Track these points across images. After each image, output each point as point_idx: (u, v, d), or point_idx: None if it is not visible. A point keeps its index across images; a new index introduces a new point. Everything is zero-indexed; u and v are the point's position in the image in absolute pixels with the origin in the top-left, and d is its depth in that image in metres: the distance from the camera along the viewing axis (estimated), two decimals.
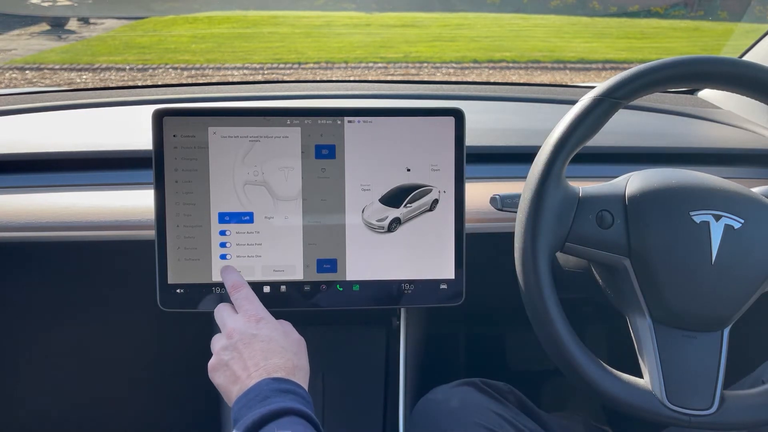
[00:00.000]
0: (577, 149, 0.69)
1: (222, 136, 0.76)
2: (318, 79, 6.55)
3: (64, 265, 1.07)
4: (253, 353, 0.65)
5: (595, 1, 12.69)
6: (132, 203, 0.88)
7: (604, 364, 0.68)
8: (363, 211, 0.79)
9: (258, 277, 0.78)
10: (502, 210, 0.77)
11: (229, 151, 0.77)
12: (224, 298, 0.78)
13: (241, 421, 0.59)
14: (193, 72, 6.85)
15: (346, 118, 0.78)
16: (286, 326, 0.71)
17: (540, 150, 0.70)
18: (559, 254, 0.72)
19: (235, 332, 0.67)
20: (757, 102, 0.70)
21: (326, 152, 0.78)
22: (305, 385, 0.66)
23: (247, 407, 0.60)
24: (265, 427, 0.57)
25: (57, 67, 6.98)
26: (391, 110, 0.79)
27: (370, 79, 6.66)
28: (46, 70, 6.78)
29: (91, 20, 10.21)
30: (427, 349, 1.07)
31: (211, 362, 0.68)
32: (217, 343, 0.68)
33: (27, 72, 6.74)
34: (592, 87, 0.71)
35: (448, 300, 0.80)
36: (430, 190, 0.79)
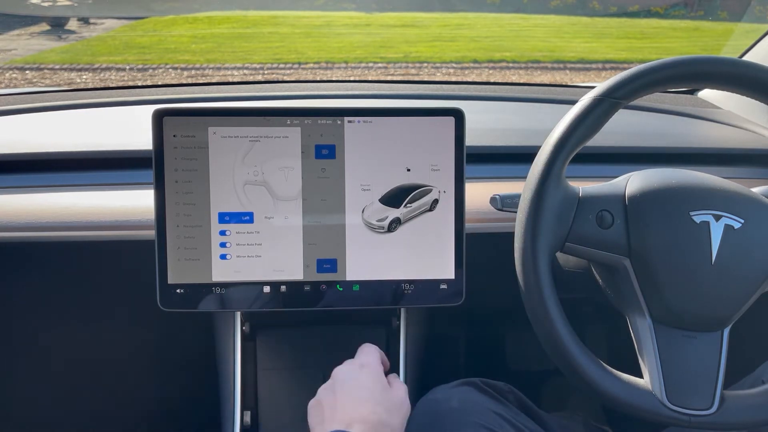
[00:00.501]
0: (577, 149, 0.69)
1: (222, 136, 0.76)
2: (318, 79, 6.55)
3: (64, 265, 1.07)
4: (344, 397, 0.64)
5: (595, 1, 12.69)
6: (132, 203, 0.88)
7: (604, 364, 0.68)
8: (363, 211, 0.79)
9: (258, 277, 0.78)
10: (502, 210, 0.77)
11: (229, 151, 0.77)
12: (224, 298, 0.78)
13: None
14: (193, 72, 6.85)
15: (346, 118, 0.78)
16: (396, 384, 0.70)
17: (540, 150, 0.70)
18: (559, 254, 0.72)
19: (338, 374, 0.68)
20: (757, 102, 0.70)
21: (326, 152, 0.78)
22: None
23: None
24: None
25: (57, 67, 6.98)
26: (391, 110, 0.79)
27: (370, 79, 6.66)
28: (46, 70, 6.78)
29: (91, 20, 10.21)
30: (427, 349, 1.07)
31: (311, 401, 0.68)
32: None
33: (27, 72, 6.74)
34: (592, 87, 0.71)
35: (448, 300, 0.80)
36: (430, 190, 0.79)
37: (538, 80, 6.67)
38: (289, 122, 0.77)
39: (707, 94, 1.33)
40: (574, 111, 0.69)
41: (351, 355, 0.96)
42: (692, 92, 1.36)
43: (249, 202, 0.77)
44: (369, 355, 0.71)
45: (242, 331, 0.89)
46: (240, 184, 0.77)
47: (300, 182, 0.77)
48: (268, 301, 0.78)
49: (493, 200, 0.78)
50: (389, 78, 6.82)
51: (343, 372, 0.68)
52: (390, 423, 0.64)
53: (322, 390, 0.67)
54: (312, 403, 0.67)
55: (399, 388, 0.69)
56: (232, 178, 0.77)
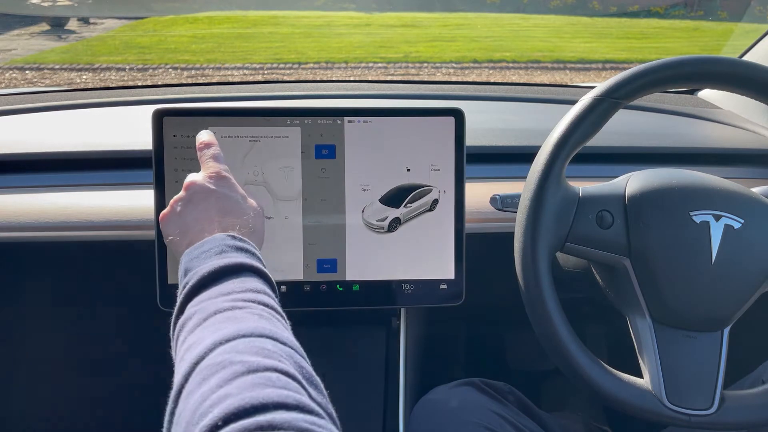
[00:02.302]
0: (577, 149, 0.69)
1: (222, 136, 0.76)
2: (318, 79, 6.55)
3: (64, 265, 1.07)
4: (208, 207, 0.62)
5: (595, 1, 12.69)
6: (132, 203, 0.88)
7: (604, 364, 0.68)
8: (363, 211, 0.79)
9: None
10: (502, 210, 0.77)
11: (229, 151, 0.76)
12: None
13: (193, 270, 0.55)
14: (193, 72, 6.85)
15: (346, 118, 0.78)
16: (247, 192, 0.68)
17: (540, 150, 0.70)
18: (559, 254, 0.72)
19: (192, 185, 0.64)
20: (757, 102, 0.70)
21: (326, 152, 0.78)
22: (258, 251, 0.62)
23: (200, 259, 0.56)
24: (222, 279, 0.54)
25: (57, 67, 6.98)
26: (391, 110, 0.79)
27: (370, 79, 6.66)
28: (46, 70, 6.79)
29: (91, 20, 10.21)
30: (427, 349, 1.07)
31: (163, 212, 0.65)
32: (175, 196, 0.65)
33: (27, 72, 6.74)
34: (592, 87, 0.71)
35: (448, 300, 0.80)
36: (430, 190, 0.79)
37: (538, 80, 6.67)
38: (289, 122, 0.77)
39: (707, 94, 1.33)
40: (574, 111, 0.69)
41: (351, 354, 0.96)
42: (692, 92, 1.36)
43: None
44: (220, 163, 0.66)
45: None
46: (240, 184, 0.77)
47: (300, 182, 0.77)
48: None
49: (493, 200, 0.78)
50: (389, 78, 6.82)
51: (200, 184, 0.64)
52: (257, 228, 0.64)
53: (178, 202, 0.64)
54: (167, 215, 0.64)
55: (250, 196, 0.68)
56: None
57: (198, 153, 0.68)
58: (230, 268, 0.55)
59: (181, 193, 0.64)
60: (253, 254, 0.58)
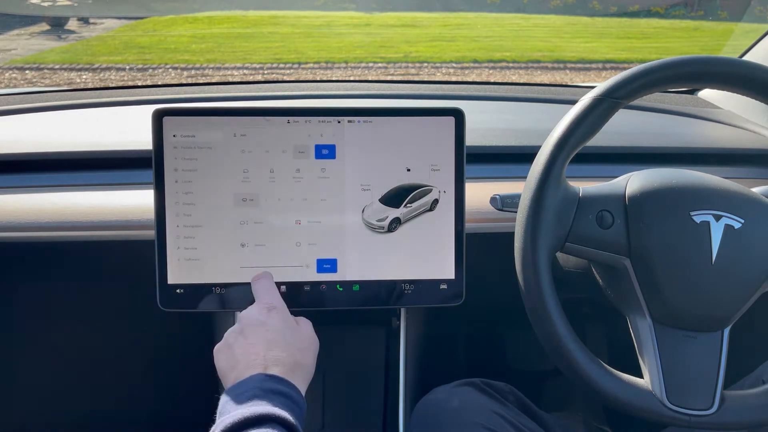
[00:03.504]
0: (577, 149, 0.69)
1: (222, 137, 0.76)
2: (318, 79, 6.55)
3: (64, 265, 1.07)
4: (256, 340, 0.64)
5: (595, 1, 12.69)
6: (132, 203, 0.88)
7: (604, 364, 0.68)
8: (363, 211, 0.78)
9: None
10: (502, 210, 0.77)
11: (230, 151, 0.76)
12: (224, 298, 0.78)
13: (222, 417, 0.57)
14: (193, 72, 6.85)
15: (346, 118, 0.78)
16: (303, 323, 0.71)
17: (540, 150, 0.70)
18: (559, 254, 0.72)
19: (245, 318, 0.67)
20: (757, 102, 0.70)
21: (326, 152, 0.78)
22: (304, 385, 0.65)
23: (232, 402, 0.59)
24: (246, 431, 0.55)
25: (57, 67, 6.98)
26: (391, 110, 0.79)
27: (370, 79, 6.66)
28: (46, 70, 6.78)
29: (91, 20, 10.21)
30: (427, 349, 1.07)
31: (218, 345, 0.67)
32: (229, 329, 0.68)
33: (27, 72, 6.74)
34: (592, 87, 0.71)
35: (448, 300, 0.80)
36: (430, 190, 0.79)
37: (538, 80, 6.67)
38: (289, 122, 0.77)
39: (707, 94, 1.33)
40: (574, 111, 0.69)
41: (351, 354, 0.96)
42: (692, 92, 1.36)
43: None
44: (273, 296, 0.71)
45: None
46: (240, 183, 0.77)
47: (300, 181, 0.77)
48: None
49: (493, 200, 0.78)
50: (389, 78, 6.82)
51: (251, 316, 0.68)
52: (303, 362, 0.66)
53: (230, 334, 0.67)
54: (220, 348, 0.67)
55: (306, 326, 0.71)
56: (233, 178, 0.77)
57: (252, 285, 0.73)
58: (255, 419, 0.56)
59: (235, 325, 0.68)
60: (287, 397, 0.60)
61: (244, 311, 0.69)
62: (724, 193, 0.69)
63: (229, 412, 0.58)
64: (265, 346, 0.64)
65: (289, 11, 11.66)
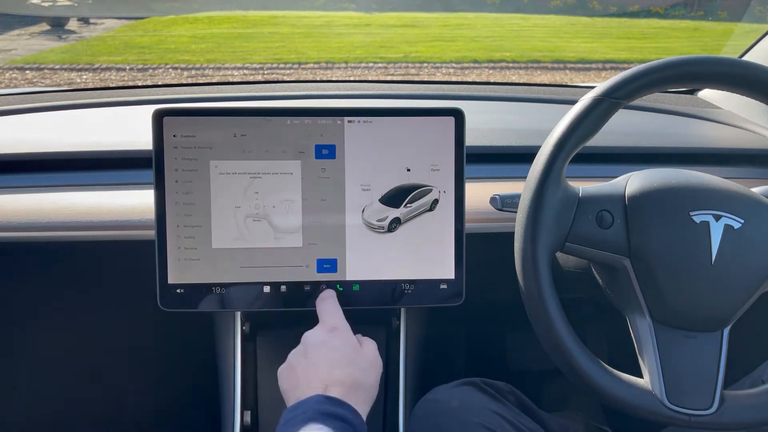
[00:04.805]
0: (577, 149, 0.69)
1: (222, 137, 0.76)
2: (318, 79, 6.55)
3: (64, 265, 1.07)
4: (318, 360, 0.65)
5: (595, 1, 12.70)
6: (132, 203, 0.88)
7: (604, 364, 0.68)
8: (363, 211, 0.79)
9: (258, 278, 0.78)
10: (502, 210, 0.77)
11: (230, 151, 0.77)
12: (224, 298, 0.78)
13: None
14: (193, 72, 6.85)
15: (346, 118, 0.78)
16: (367, 344, 0.70)
17: (540, 150, 0.70)
18: (559, 254, 0.72)
19: (308, 339, 0.68)
20: (757, 102, 0.70)
21: (326, 152, 0.78)
22: (364, 406, 0.64)
23: (289, 425, 0.58)
24: None
25: (57, 67, 6.98)
26: (391, 110, 0.79)
27: (370, 79, 6.66)
28: (46, 70, 6.79)
29: (91, 20, 10.22)
30: (427, 349, 1.07)
31: (281, 366, 0.68)
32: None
33: (27, 72, 6.74)
34: (592, 87, 0.71)
35: (448, 300, 0.80)
36: (430, 190, 0.79)
37: (538, 80, 6.67)
38: (289, 122, 0.77)
39: (707, 94, 1.33)
40: (574, 111, 0.69)
41: None
42: (692, 92, 1.36)
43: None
44: (336, 317, 0.71)
45: (242, 331, 0.89)
46: (240, 185, 0.77)
47: (300, 183, 0.77)
48: (268, 301, 0.78)
49: (493, 200, 0.78)
50: (389, 78, 6.82)
51: (314, 336, 0.68)
52: (365, 382, 0.65)
53: (293, 355, 0.67)
54: (283, 368, 0.67)
55: (370, 347, 0.70)
56: (233, 176, 0.77)
57: (317, 306, 0.74)
58: None
59: (299, 346, 0.68)
60: (344, 421, 0.59)
61: (307, 332, 0.69)
62: (723, 193, 0.69)
63: None
64: (327, 367, 0.64)
65: (289, 11, 11.66)
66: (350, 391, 0.63)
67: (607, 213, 0.69)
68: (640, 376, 0.68)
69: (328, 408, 0.59)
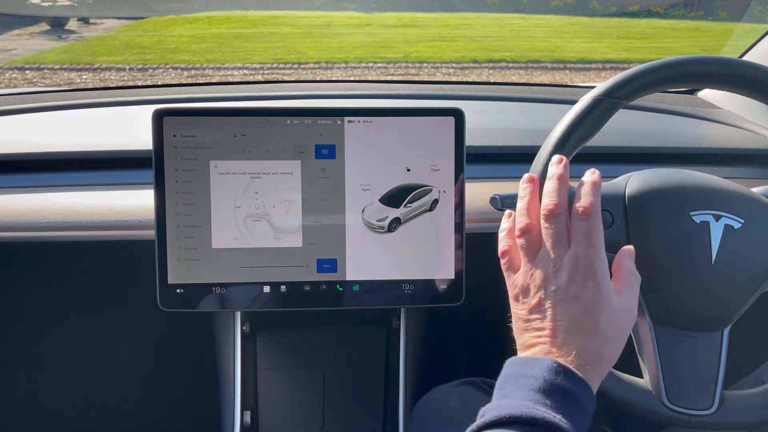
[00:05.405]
0: (577, 149, 0.69)
1: (222, 137, 0.76)
2: (318, 79, 6.55)
3: (65, 265, 1.07)
4: (562, 313, 0.53)
5: (595, 1, 12.70)
6: (132, 203, 0.88)
7: None
8: (363, 211, 0.79)
9: (258, 278, 0.78)
10: (502, 210, 0.77)
11: (230, 151, 0.77)
12: (224, 298, 0.78)
13: (497, 401, 0.49)
14: (193, 72, 6.86)
15: (346, 118, 0.78)
16: (628, 295, 0.57)
17: (539, 150, 0.70)
18: None
19: (579, 261, 0.54)
20: (757, 102, 0.70)
21: (326, 152, 0.78)
22: (599, 380, 0.54)
23: (512, 383, 0.50)
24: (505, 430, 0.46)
25: (57, 67, 6.98)
26: (391, 110, 0.79)
27: (370, 79, 6.66)
28: (46, 70, 6.79)
29: (91, 20, 10.22)
30: (427, 349, 1.07)
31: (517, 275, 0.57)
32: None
33: (27, 72, 6.75)
34: (592, 87, 0.71)
35: (448, 300, 0.80)
36: (430, 190, 0.79)
37: (538, 80, 6.67)
38: (289, 122, 0.77)
39: (707, 94, 1.33)
40: (573, 111, 0.69)
41: (351, 354, 0.96)
42: (692, 92, 1.36)
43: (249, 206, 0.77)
44: (587, 235, 0.55)
45: (242, 331, 0.89)
46: (240, 185, 0.77)
47: (300, 183, 0.77)
48: (268, 301, 0.78)
49: (493, 200, 0.78)
50: (389, 78, 6.82)
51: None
52: (606, 357, 0.55)
53: (554, 277, 0.54)
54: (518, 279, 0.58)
55: (630, 299, 0.58)
56: (234, 176, 0.77)
57: (573, 220, 0.58)
58: (525, 420, 0.47)
59: (569, 267, 0.55)
60: (575, 400, 0.51)
61: (573, 254, 0.56)
62: (723, 193, 0.69)
63: (504, 396, 0.50)
64: (567, 328, 0.53)
65: (289, 11, 11.66)
66: (590, 365, 0.53)
67: (606, 213, 0.69)
68: (640, 376, 0.68)
69: (563, 381, 0.51)
